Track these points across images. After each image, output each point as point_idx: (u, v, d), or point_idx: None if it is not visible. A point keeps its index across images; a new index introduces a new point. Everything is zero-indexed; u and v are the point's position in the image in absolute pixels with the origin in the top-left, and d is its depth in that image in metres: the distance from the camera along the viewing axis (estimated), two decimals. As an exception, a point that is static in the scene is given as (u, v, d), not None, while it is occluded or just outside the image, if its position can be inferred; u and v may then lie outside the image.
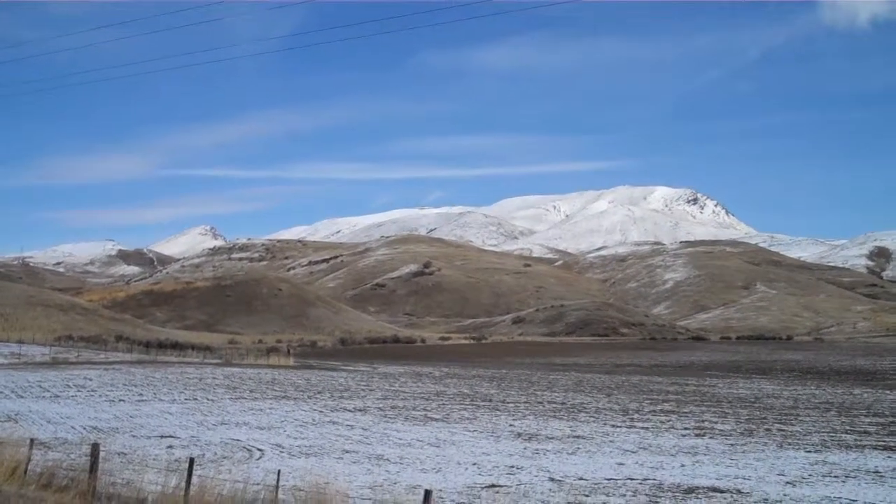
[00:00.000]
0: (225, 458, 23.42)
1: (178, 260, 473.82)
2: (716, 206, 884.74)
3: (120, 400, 40.15)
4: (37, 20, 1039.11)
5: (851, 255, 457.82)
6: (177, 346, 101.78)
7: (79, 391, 43.93)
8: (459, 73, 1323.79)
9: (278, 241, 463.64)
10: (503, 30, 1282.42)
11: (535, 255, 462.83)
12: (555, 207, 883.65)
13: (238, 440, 27.12)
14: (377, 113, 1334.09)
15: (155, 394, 43.78)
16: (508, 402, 43.73)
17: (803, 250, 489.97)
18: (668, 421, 35.72)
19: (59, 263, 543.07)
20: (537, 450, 26.42)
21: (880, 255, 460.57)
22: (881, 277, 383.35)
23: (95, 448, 16.08)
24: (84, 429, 28.97)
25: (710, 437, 30.15)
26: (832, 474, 22.61)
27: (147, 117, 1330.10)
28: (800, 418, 37.72)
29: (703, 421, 35.88)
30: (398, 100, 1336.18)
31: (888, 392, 55.57)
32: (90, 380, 51.34)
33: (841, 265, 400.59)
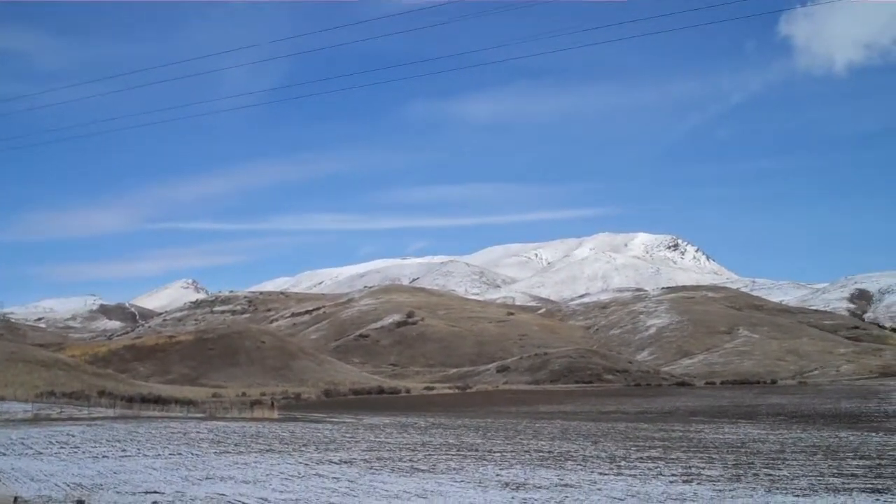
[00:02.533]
0: (211, 513, 23.23)
1: (161, 314, 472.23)
2: (696, 251, 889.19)
3: (104, 456, 39.83)
4: (19, 75, 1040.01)
5: (833, 298, 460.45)
6: (160, 401, 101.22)
7: (62, 448, 43.56)
8: (443, 124, 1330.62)
9: (261, 293, 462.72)
10: (486, 81, 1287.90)
11: (517, 303, 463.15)
12: (536, 255, 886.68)
13: (224, 495, 26.92)
14: (362, 164, 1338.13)
15: (139, 449, 43.44)
16: (495, 452, 43.54)
17: (785, 294, 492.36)
18: (656, 468, 35.62)
19: (40, 319, 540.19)
20: (525, 499, 26.31)
21: (861, 297, 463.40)
22: (863, 320, 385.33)
23: (81, 505, 15.97)
24: (68, 486, 28.70)
25: (698, 483, 30.07)
26: (821, 518, 22.58)
27: (130, 171, 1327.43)
28: (787, 462, 37.69)
29: (690, 467, 35.79)
30: (383, 151, 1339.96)
31: (874, 434, 55.61)
32: (73, 436, 50.93)
33: (823, 308, 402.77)
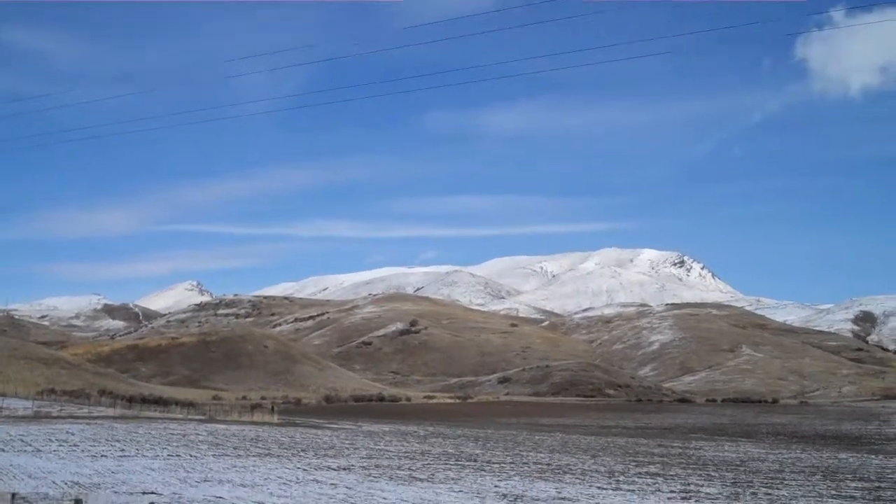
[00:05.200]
0: (207, 515, 23.21)
1: (164, 315, 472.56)
2: (702, 269, 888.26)
3: (102, 455, 39.83)
4: (37, 74, 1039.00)
5: (837, 319, 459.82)
6: (160, 402, 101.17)
7: (61, 445, 43.57)
8: (461, 135, 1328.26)
9: (265, 297, 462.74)
10: (505, 94, 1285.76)
11: (521, 315, 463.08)
12: (542, 268, 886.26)
13: (221, 498, 26.90)
14: (378, 172, 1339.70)
15: (138, 449, 43.45)
16: (493, 463, 43.50)
17: (789, 314, 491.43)
18: (654, 483, 35.56)
19: (44, 317, 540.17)
20: (522, 511, 26.27)
21: (865, 319, 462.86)
22: (866, 342, 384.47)
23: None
24: (66, 484, 28.71)
25: (696, 501, 30.02)
26: (818, 539, 22.52)
27: (142, 173, 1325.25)
28: (786, 482, 37.61)
29: (688, 484, 35.73)
30: (400, 160, 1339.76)
31: (873, 457, 55.49)
32: (73, 434, 50.93)
33: (826, 329, 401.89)
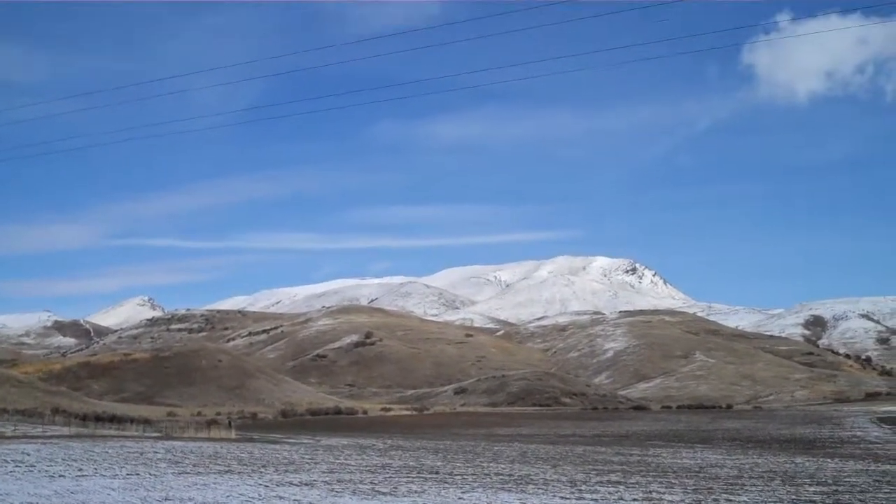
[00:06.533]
0: (172, 535, 23.00)
1: (116, 331, 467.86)
2: (654, 276, 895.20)
3: (60, 475, 39.26)
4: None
5: (788, 324, 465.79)
6: (115, 420, 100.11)
7: (16, 466, 42.90)
8: (411, 146, 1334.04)
9: (218, 311, 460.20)
10: (454, 104, 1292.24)
11: (476, 324, 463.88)
12: (495, 277, 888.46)
13: (184, 516, 26.66)
14: (329, 184, 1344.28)
15: (96, 469, 42.89)
16: (455, 475, 43.45)
17: (741, 319, 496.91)
18: (616, 492, 35.70)
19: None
20: (488, 523, 26.28)
21: (816, 323, 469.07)
22: (817, 346, 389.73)
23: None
24: (24, 506, 28.32)
25: (659, 508, 30.19)
26: (782, 544, 22.72)
27: (94, 188, 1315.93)
28: (745, 488, 37.92)
29: (650, 492, 35.90)
30: (351, 171, 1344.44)
31: (829, 460, 56.10)
32: (28, 454, 50.16)
33: (778, 334, 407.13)
